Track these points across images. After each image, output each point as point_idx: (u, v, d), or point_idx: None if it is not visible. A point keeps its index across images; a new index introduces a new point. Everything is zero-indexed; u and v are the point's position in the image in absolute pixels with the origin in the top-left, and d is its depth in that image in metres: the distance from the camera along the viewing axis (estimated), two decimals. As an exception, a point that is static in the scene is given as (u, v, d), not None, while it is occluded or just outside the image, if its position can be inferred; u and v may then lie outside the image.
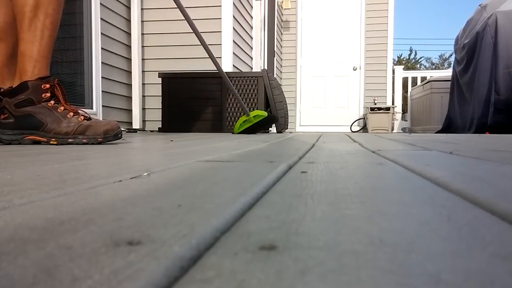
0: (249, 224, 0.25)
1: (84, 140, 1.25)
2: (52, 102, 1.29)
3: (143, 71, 3.39)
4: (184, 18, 2.06)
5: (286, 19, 6.15)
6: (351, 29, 6.05)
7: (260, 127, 2.69)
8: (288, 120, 3.42)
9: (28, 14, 1.25)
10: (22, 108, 1.27)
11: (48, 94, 1.28)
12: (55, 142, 1.25)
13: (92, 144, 1.25)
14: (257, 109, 3.02)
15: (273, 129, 3.44)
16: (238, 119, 2.82)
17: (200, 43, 2.22)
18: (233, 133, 2.68)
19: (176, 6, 2.03)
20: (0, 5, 1.32)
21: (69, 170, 0.53)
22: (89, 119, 1.31)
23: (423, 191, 0.39)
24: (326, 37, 6.11)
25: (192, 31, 2.12)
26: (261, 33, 4.36)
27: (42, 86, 1.27)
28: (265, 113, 2.65)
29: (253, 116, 2.61)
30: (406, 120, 6.38)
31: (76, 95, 2.71)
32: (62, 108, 1.29)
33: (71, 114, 1.29)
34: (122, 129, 3.11)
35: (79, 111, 1.35)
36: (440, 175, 0.48)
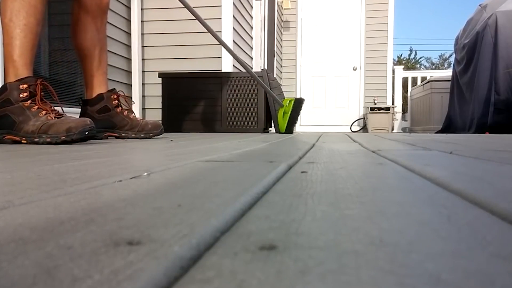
0: (249, 224, 0.25)
1: (48, 139, 1.23)
2: (29, 102, 1.30)
3: (143, 71, 3.39)
4: (194, 18, 2.07)
5: (286, 19, 6.15)
6: (351, 29, 6.04)
7: (295, 112, 2.86)
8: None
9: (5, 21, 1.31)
10: (1, 109, 1.31)
11: (26, 94, 1.30)
12: (25, 141, 1.27)
13: (56, 143, 1.22)
14: (257, 108, 3.02)
15: (272, 129, 3.44)
16: (239, 118, 2.93)
17: (218, 43, 2.24)
18: (280, 132, 2.86)
19: (184, 7, 2.04)
20: (85, 30, 1.63)
21: (69, 170, 0.53)
22: (61, 116, 1.30)
23: (423, 191, 0.39)
24: (326, 37, 6.11)
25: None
26: (261, 33, 4.36)
27: (20, 86, 1.30)
28: (292, 98, 2.87)
29: (287, 105, 2.81)
30: (406, 120, 6.38)
31: (76, 95, 2.71)
32: (36, 107, 1.30)
33: (43, 113, 1.29)
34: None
35: (56, 109, 1.35)
36: (440, 175, 0.48)
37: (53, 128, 1.24)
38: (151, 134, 1.70)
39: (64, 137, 1.22)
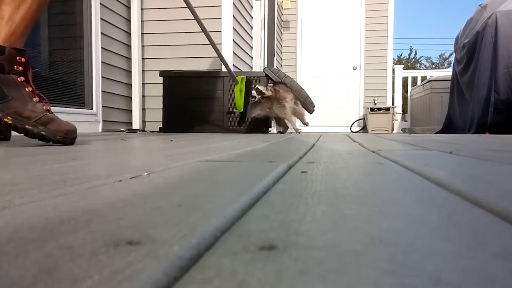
0: (249, 224, 0.25)
1: (43, 133, 1.10)
2: (22, 78, 1.14)
3: (143, 71, 3.39)
4: (193, 18, 2.06)
5: (286, 19, 6.15)
6: (351, 28, 6.04)
7: (248, 91, 2.84)
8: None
9: None
10: None
11: (21, 68, 1.13)
12: (10, 122, 1.10)
13: (49, 140, 1.11)
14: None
15: (273, 129, 3.43)
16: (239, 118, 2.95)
17: (208, 41, 2.24)
18: (239, 112, 2.86)
19: (186, 6, 2.04)
20: None
21: (69, 170, 0.53)
22: (52, 113, 1.17)
23: (423, 191, 0.39)
24: (326, 37, 6.11)
25: (197, 30, 2.12)
26: (261, 33, 4.36)
27: (18, 57, 1.12)
28: (243, 76, 2.84)
29: (240, 82, 2.81)
30: (406, 120, 6.38)
31: (76, 95, 2.71)
32: (30, 89, 1.15)
33: (37, 99, 1.15)
34: (122, 129, 3.08)
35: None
36: (440, 175, 0.48)
37: (54, 124, 1.12)
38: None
39: (60, 137, 1.12)
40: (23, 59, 1.13)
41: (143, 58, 3.39)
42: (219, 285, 0.16)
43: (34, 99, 1.14)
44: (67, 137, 1.14)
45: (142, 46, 3.38)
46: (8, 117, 1.09)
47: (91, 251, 0.19)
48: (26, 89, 1.13)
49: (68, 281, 0.16)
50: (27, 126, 1.10)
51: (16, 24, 1.13)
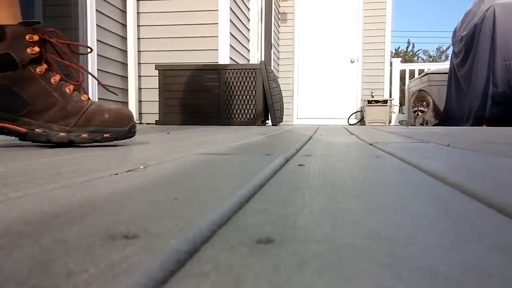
0: (246, 217, 0.25)
1: (89, 136, 0.82)
2: (44, 66, 0.79)
3: (139, 63, 3.37)
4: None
5: (283, 11, 6.11)
6: (348, 21, 6.02)
7: None
8: (283, 113, 3.42)
9: None
10: None
11: (37, 50, 0.78)
12: (39, 133, 0.79)
13: (111, 139, 0.84)
14: (255, 101, 3.01)
15: (269, 122, 3.43)
16: (236, 111, 2.91)
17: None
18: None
19: None
20: None
21: (65, 163, 0.52)
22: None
23: (420, 184, 0.39)
24: (324, 30, 6.09)
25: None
26: (258, 25, 4.34)
27: (28, 36, 0.78)
28: None
29: None
30: (404, 113, 6.39)
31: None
32: (57, 77, 0.81)
33: (71, 88, 0.83)
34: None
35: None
36: (437, 168, 0.48)
37: (102, 117, 0.82)
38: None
39: (123, 133, 0.84)
40: (35, 37, 0.78)
41: (139, 51, 3.36)
42: (215, 279, 0.16)
43: (67, 90, 0.81)
44: (132, 129, 0.86)
45: (138, 38, 3.35)
46: (37, 130, 0.78)
47: (87, 244, 0.19)
48: (52, 80, 0.79)
49: (63, 275, 0.16)
50: (61, 135, 0.79)
51: None
